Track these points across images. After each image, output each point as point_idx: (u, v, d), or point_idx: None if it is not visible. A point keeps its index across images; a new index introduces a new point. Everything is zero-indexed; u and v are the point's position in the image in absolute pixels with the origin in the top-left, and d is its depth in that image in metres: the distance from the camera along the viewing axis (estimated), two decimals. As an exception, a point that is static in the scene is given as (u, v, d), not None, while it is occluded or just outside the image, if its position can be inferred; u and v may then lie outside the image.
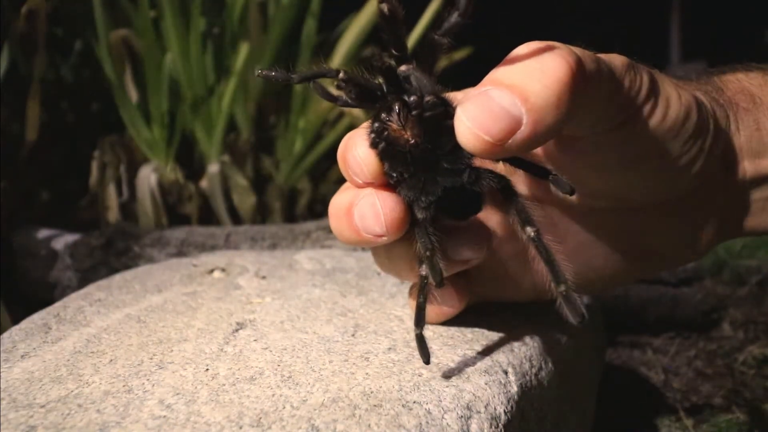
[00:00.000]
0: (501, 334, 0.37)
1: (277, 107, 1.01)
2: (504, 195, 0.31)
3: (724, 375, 0.65)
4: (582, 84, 0.27)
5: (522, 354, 0.36)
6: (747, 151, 0.36)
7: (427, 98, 0.29)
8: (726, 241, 0.40)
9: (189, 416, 0.28)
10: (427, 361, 0.31)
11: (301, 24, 0.99)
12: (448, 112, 0.28)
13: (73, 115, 1.00)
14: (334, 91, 0.30)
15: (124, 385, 0.31)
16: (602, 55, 0.29)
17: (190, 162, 0.95)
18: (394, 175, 0.30)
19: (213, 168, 0.92)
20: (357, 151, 0.31)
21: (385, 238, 0.31)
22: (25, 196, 0.90)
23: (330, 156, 0.99)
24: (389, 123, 0.29)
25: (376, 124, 0.30)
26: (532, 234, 0.29)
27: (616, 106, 0.30)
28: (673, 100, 0.32)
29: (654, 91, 0.31)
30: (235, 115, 0.95)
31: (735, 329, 0.77)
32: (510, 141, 0.26)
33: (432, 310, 0.37)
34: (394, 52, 0.30)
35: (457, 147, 0.28)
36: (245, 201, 0.93)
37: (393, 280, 0.47)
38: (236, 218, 0.93)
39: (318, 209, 1.02)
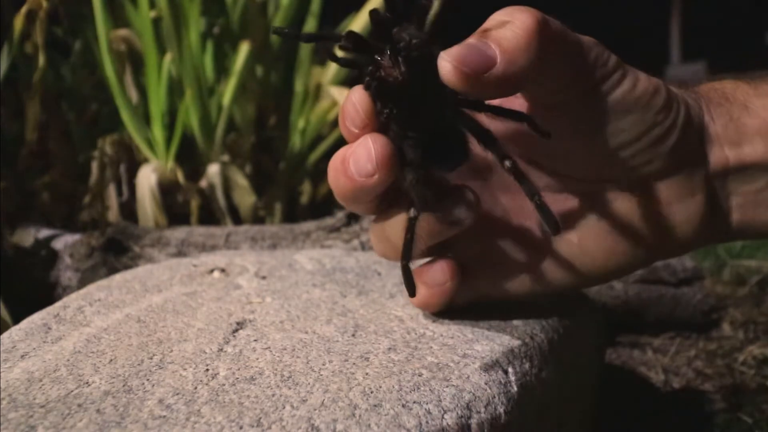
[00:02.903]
0: (501, 334, 0.37)
1: (277, 107, 1.01)
2: (484, 139, 0.33)
3: (724, 375, 0.65)
4: (548, 35, 0.31)
5: (522, 354, 0.36)
6: (725, 138, 0.37)
7: (415, 41, 0.32)
8: (720, 242, 0.41)
9: (189, 416, 0.28)
10: (412, 294, 0.34)
11: (302, 24, 0.99)
12: (433, 53, 0.31)
13: (73, 115, 1.00)
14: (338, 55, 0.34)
15: (124, 385, 0.31)
16: None
17: (190, 162, 0.95)
18: (386, 111, 0.33)
19: (213, 168, 0.92)
20: (353, 96, 0.33)
21: (376, 177, 0.33)
22: (25, 196, 0.90)
23: (330, 156, 0.99)
24: (381, 62, 0.33)
25: (370, 67, 0.33)
26: (509, 164, 0.32)
27: (585, 67, 0.33)
28: (641, 76, 0.35)
29: (622, 66, 0.34)
30: (235, 115, 0.95)
31: (735, 329, 0.77)
32: (485, 75, 0.30)
33: (423, 292, 0.38)
34: (387, 15, 0.33)
35: (441, 87, 0.31)
36: (245, 201, 0.93)
37: (393, 280, 0.47)
38: (236, 218, 0.93)
39: (318, 209, 1.02)
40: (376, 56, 0.33)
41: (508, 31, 0.31)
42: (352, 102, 0.34)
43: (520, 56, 0.30)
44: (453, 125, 0.34)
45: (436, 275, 0.38)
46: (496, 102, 0.35)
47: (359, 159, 0.33)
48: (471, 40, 0.31)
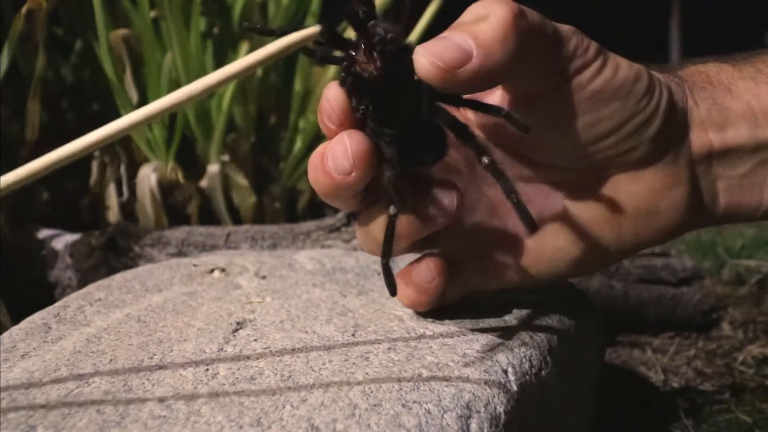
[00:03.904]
0: (501, 334, 0.37)
1: (277, 107, 1.01)
2: (461, 135, 0.33)
3: (723, 374, 0.65)
4: (525, 27, 0.31)
5: (522, 354, 0.36)
6: (709, 122, 0.37)
7: (390, 35, 0.32)
8: (708, 226, 0.41)
9: (189, 416, 0.28)
10: (393, 293, 0.34)
11: (302, 24, 0.99)
12: (409, 48, 0.32)
13: (73, 114, 1.00)
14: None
15: (124, 385, 0.31)
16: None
17: (191, 162, 0.95)
18: (361, 107, 0.33)
19: (213, 168, 0.92)
20: (328, 93, 0.33)
21: (354, 174, 0.33)
22: (25, 196, 0.90)
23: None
24: (356, 57, 0.32)
25: (345, 63, 0.33)
26: (487, 161, 0.32)
27: (564, 57, 0.33)
28: (622, 63, 0.35)
29: (603, 53, 0.34)
30: (234, 115, 0.95)
31: (734, 329, 0.77)
32: (461, 70, 0.30)
33: (411, 291, 0.38)
34: (363, 8, 0.33)
35: (417, 82, 0.31)
36: (245, 201, 0.93)
37: (393, 280, 0.47)
38: (236, 218, 0.93)
39: (318, 209, 1.02)
40: (351, 51, 0.33)
41: (485, 24, 0.31)
42: (327, 98, 0.34)
43: (497, 49, 0.30)
44: (430, 121, 0.34)
45: (422, 273, 0.38)
46: (474, 96, 0.35)
47: (336, 156, 0.33)
48: (447, 33, 0.31)
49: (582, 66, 0.34)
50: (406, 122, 0.34)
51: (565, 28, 0.34)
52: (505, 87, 0.36)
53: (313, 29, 0.32)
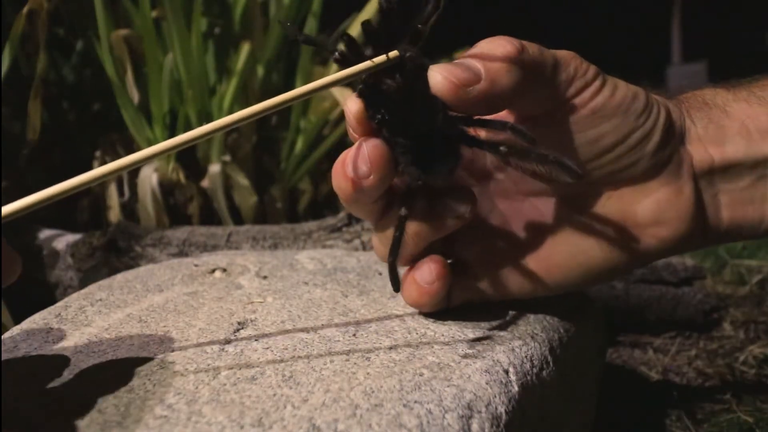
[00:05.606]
0: (502, 334, 0.37)
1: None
2: (473, 143, 0.35)
3: (724, 374, 0.65)
4: (527, 59, 0.34)
5: (523, 354, 0.36)
6: (707, 139, 0.39)
7: (410, 53, 0.34)
8: (715, 244, 0.42)
9: (190, 416, 0.28)
10: (396, 289, 0.37)
11: (303, 24, 0.99)
12: (425, 66, 0.34)
13: (74, 114, 1.00)
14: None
15: (125, 385, 0.31)
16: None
17: (192, 162, 0.95)
18: (378, 116, 0.34)
19: (214, 168, 0.92)
20: (347, 105, 0.35)
21: (372, 177, 0.34)
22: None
23: (331, 156, 0.99)
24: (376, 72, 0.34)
25: (365, 76, 0.34)
26: (504, 149, 0.33)
27: (565, 80, 0.35)
28: (620, 83, 0.37)
29: (601, 76, 0.37)
30: (236, 115, 0.95)
31: (736, 329, 0.77)
32: (471, 89, 0.33)
33: (413, 291, 0.39)
34: (380, 27, 0.35)
35: (431, 99, 0.33)
36: (246, 201, 0.93)
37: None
38: (237, 218, 0.93)
39: (319, 209, 1.02)
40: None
41: (492, 56, 0.34)
42: (346, 109, 0.36)
43: (503, 77, 0.33)
44: (444, 135, 0.35)
45: (423, 275, 0.38)
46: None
47: (354, 161, 0.34)
48: (459, 60, 0.34)
49: (583, 86, 0.36)
50: (419, 134, 0.35)
51: (564, 54, 0.36)
52: (510, 109, 0.38)
53: (393, 54, 0.33)
